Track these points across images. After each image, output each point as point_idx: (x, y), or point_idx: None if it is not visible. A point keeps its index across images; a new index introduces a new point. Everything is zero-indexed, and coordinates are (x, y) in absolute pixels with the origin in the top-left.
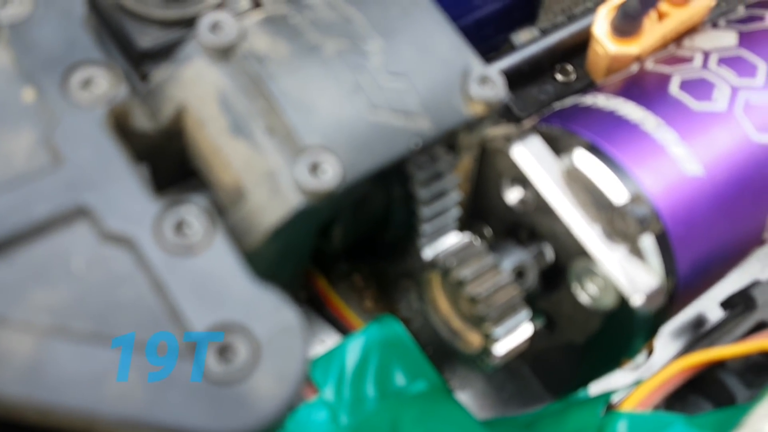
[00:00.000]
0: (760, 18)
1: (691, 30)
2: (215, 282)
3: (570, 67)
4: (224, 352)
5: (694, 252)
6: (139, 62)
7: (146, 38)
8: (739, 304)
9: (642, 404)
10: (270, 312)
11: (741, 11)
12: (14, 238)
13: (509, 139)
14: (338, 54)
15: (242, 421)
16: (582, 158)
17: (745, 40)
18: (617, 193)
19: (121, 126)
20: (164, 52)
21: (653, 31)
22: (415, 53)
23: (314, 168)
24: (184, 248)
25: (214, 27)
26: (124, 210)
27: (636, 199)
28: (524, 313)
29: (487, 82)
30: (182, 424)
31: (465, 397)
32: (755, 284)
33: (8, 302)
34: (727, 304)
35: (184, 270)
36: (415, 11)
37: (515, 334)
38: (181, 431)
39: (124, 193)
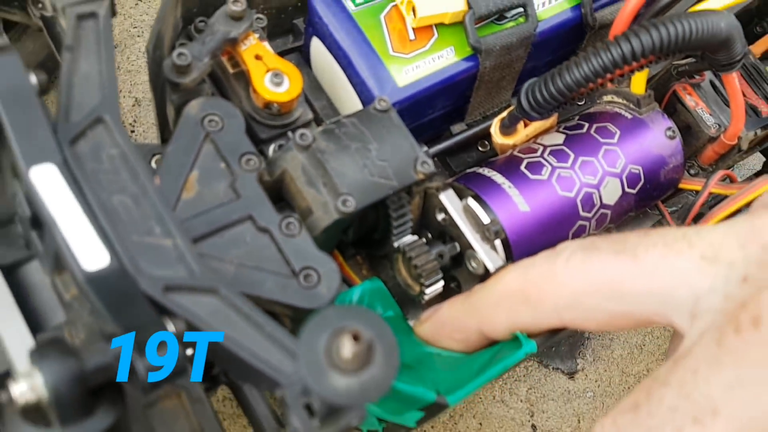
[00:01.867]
0: (581, 126)
1: (543, 132)
2: (303, 249)
3: (486, 143)
4: (307, 277)
5: (522, 250)
6: (259, 144)
7: (263, 133)
8: None
9: None
10: (326, 262)
11: (574, 121)
12: (222, 227)
13: (438, 189)
14: (357, 150)
15: (316, 303)
16: (471, 201)
17: (567, 140)
18: (482, 217)
19: (259, 179)
20: (272, 140)
21: (521, 132)
22: (391, 150)
23: (344, 202)
24: (291, 234)
25: (301, 136)
26: (267, 216)
27: (493, 221)
28: (440, 276)
29: (426, 163)
30: (293, 303)
31: (411, 322)
32: None
33: (221, 253)
34: None
35: (291, 244)
36: (392, 128)
37: (435, 286)
38: (292, 305)
39: (266, 209)
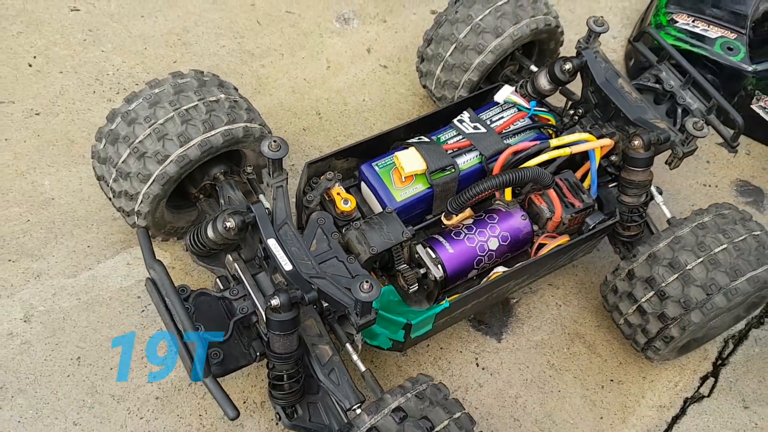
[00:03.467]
0: (481, 215)
1: (464, 219)
2: (357, 268)
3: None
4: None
5: (451, 271)
6: (339, 228)
7: (340, 223)
8: None
9: None
10: (367, 275)
11: (480, 213)
12: (325, 259)
13: (415, 244)
14: (378, 228)
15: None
16: (428, 248)
17: (474, 221)
18: (432, 255)
19: (338, 242)
20: (343, 226)
21: (454, 219)
22: (393, 227)
23: (371, 249)
24: (351, 262)
25: (354, 224)
26: (342, 256)
27: (437, 257)
28: (416, 283)
29: (406, 232)
30: (346, 301)
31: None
32: None
33: (325, 269)
34: None
35: (352, 266)
36: (393, 219)
37: (414, 287)
38: (345, 303)
39: (342, 254)
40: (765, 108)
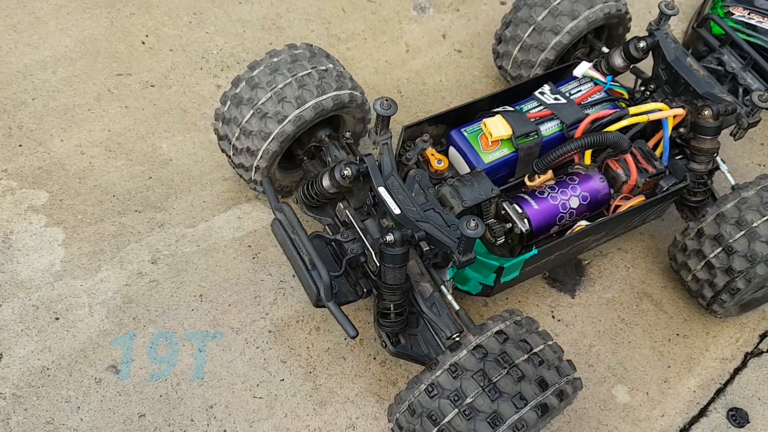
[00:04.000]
0: (562, 176)
1: (546, 180)
2: (453, 220)
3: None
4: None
5: (535, 225)
6: (435, 183)
7: (433, 180)
8: None
9: None
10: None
11: (561, 175)
12: (427, 208)
13: (502, 201)
14: (469, 185)
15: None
16: (514, 205)
17: (556, 182)
18: (518, 210)
19: (435, 195)
20: (437, 183)
21: (537, 181)
22: (482, 186)
23: (464, 203)
24: (447, 213)
25: (449, 181)
26: (438, 208)
27: (523, 213)
28: (503, 236)
29: (494, 189)
30: (449, 242)
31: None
32: None
33: (426, 216)
34: None
35: (449, 217)
36: (483, 178)
37: (501, 239)
38: (449, 244)
39: (438, 206)
40: None
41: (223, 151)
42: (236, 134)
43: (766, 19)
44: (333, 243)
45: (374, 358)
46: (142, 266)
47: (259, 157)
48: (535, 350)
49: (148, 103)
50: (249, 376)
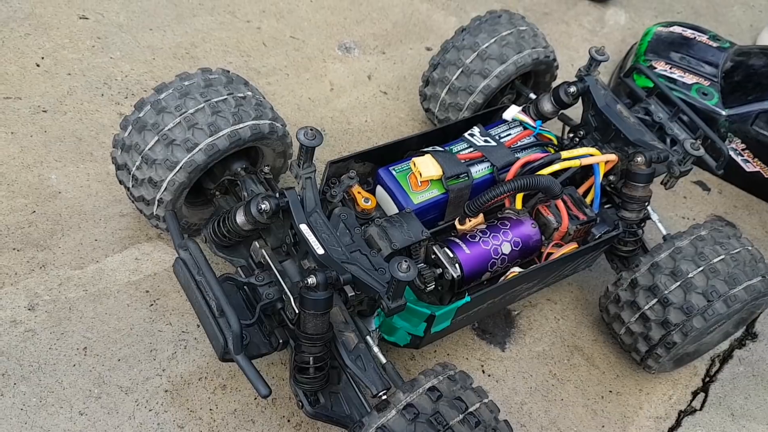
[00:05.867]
0: (494, 221)
1: (478, 224)
2: (380, 262)
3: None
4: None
5: (468, 270)
6: (362, 224)
7: (360, 220)
8: None
9: None
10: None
11: (493, 219)
12: (352, 251)
13: (432, 244)
14: (399, 226)
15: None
16: (446, 249)
17: (488, 226)
18: (450, 255)
19: (361, 236)
20: (364, 223)
21: (467, 225)
22: (412, 227)
23: (393, 245)
24: (375, 256)
25: (377, 222)
26: (365, 249)
27: (455, 257)
28: (433, 282)
29: (425, 232)
30: (378, 287)
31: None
32: None
33: (348, 258)
34: None
35: (375, 259)
36: (412, 219)
37: (431, 286)
38: (377, 288)
39: (365, 246)
40: (736, 150)
41: (121, 182)
42: (137, 163)
43: (687, 74)
44: (246, 287)
45: (288, 421)
46: (17, 313)
47: (162, 189)
48: (470, 409)
49: (38, 129)
50: None
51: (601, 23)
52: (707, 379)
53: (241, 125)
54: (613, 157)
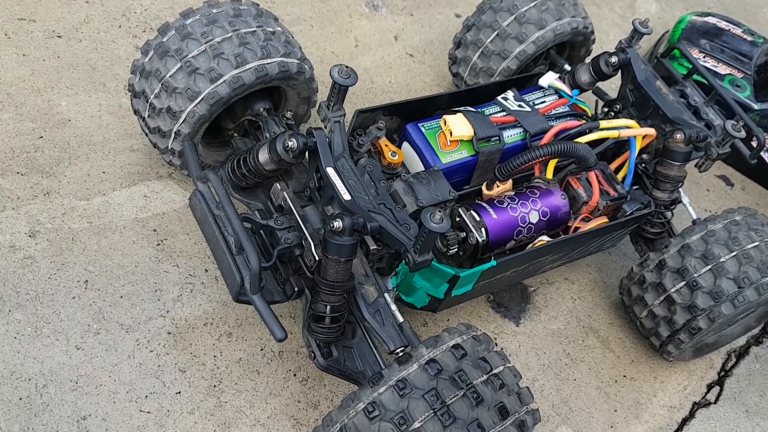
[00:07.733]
0: (523, 189)
1: (505, 190)
2: (405, 218)
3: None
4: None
5: (493, 236)
6: (386, 178)
7: (386, 174)
8: None
9: None
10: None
11: (521, 187)
12: (376, 197)
13: (458, 207)
14: (425, 183)
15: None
16: (472, 212)
17: (516, 194)
18: (476, 218)
19: (386, 190)
20: (390, 178)
21: (495, 190)
22: (439, 186)
23: (418, 203)
24: (399, 210)
25: (403, 177)
26: (388, 201)
27: (481, 221)
28: (456, 245)
29: (452, 192)
30: (404, 239)
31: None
32: None
33: (375, 205)
34: None
35: (401, 215)
36: (440, 177)
37: (453, 248)
38: (404, 241)
39: (388, 198)
40: (764, 146)
41: (135, 112)
42: (156, 90)
43: (720, 64)
44: (263, 230)
45: (294, 375)
46: (17, 238)
47: (181, 120)
48: (494, 371)
49: (51, 54)
50: (136, 385)
51: (632, 10)
52: (722, 373)
53: (269, 60)
54: (651, 131)
